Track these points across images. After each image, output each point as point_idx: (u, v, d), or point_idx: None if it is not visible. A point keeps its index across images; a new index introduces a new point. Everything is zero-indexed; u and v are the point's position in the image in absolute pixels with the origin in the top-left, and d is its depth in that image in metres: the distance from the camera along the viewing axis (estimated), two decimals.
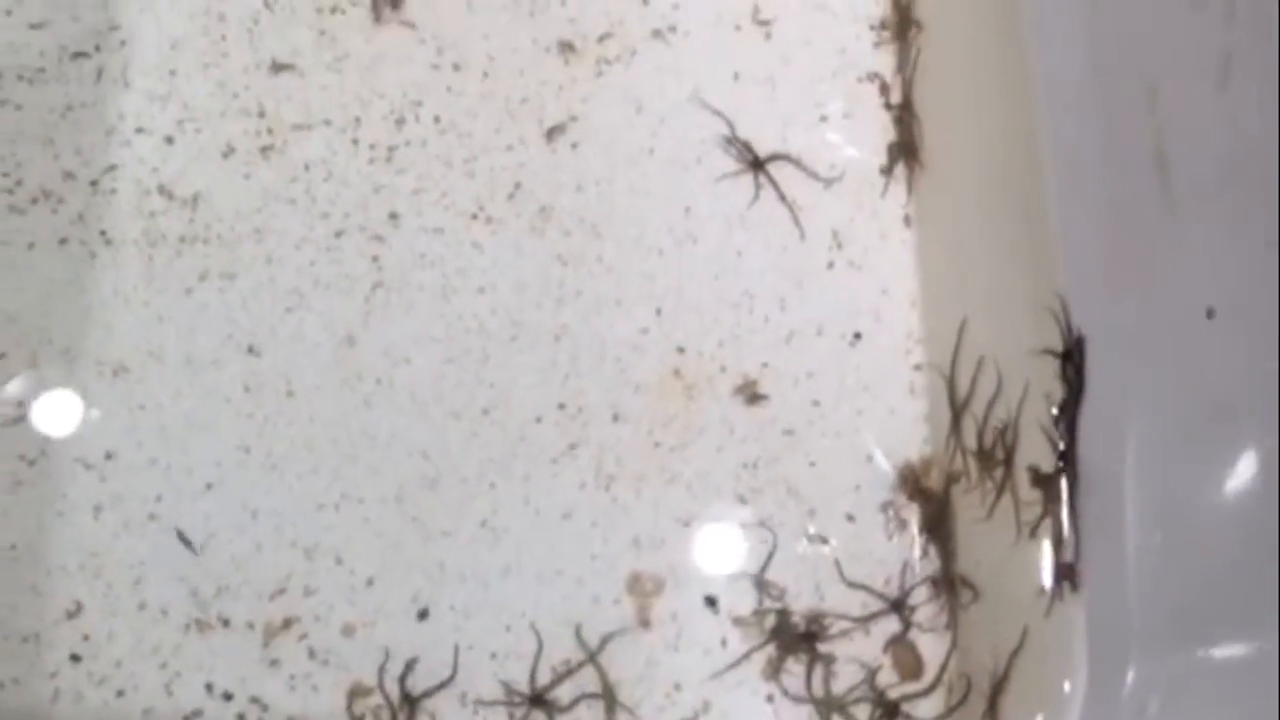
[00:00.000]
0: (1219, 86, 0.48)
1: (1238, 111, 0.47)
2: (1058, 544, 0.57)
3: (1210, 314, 0.48)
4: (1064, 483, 0.56)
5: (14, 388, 0.71)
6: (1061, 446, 0.57)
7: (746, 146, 0.78)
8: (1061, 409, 0.58)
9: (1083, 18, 0.61)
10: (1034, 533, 0.58)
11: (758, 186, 0.78)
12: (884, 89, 0.79)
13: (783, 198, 0.77)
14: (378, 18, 0.79)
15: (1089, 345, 0.57)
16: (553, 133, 0.78)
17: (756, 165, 0.78)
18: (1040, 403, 0.61)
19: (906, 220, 0.78)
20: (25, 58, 0.77)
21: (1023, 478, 0.60)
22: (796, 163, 0.78)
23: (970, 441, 0.68)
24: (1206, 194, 0.50)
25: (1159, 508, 0.52)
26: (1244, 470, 0.47)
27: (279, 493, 0.71)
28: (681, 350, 0.75)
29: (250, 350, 0.73)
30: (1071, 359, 0.59)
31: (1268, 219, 0.46)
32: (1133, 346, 0.54)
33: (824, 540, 0.71)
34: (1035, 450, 0.61)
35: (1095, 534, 0.55)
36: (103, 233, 0.75)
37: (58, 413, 0.71)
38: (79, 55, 0.77)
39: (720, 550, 0.71)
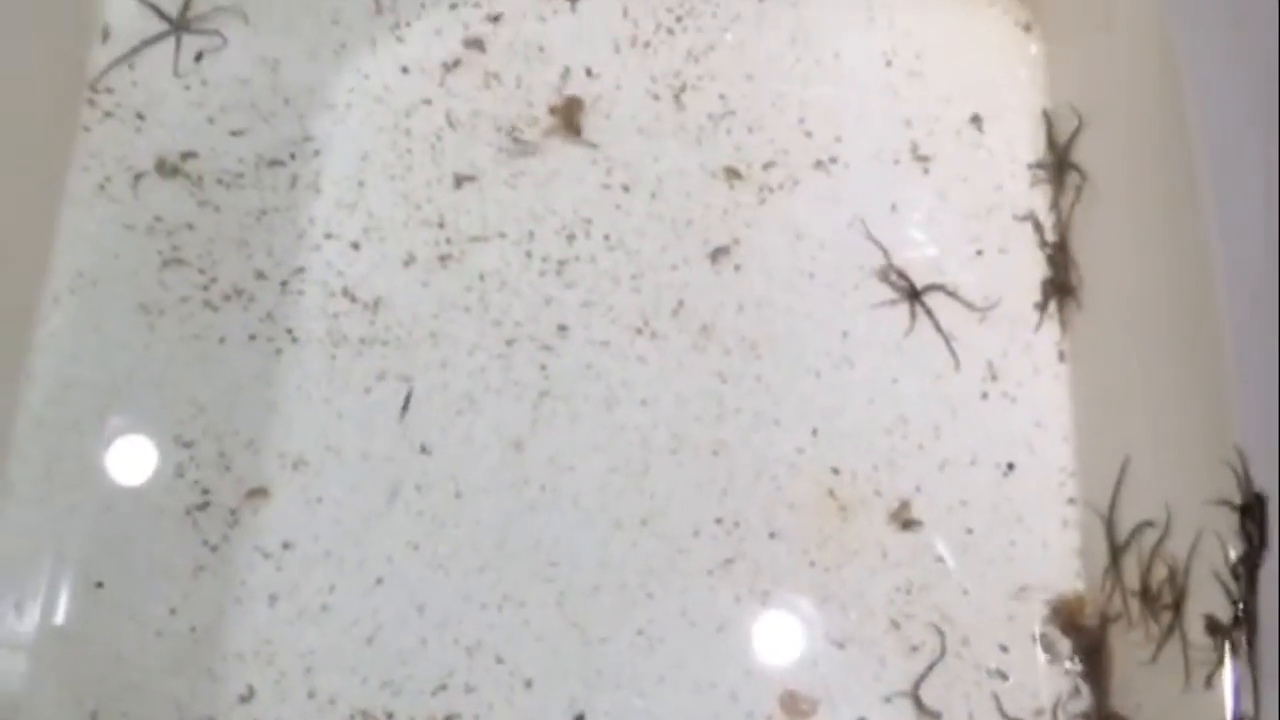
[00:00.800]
0: None
1: None
2: (1235, 696, 0.57)
3: None
4: (1243, 635, 0.57)
5: (200, 475, 0.75)
6: (1240, 599, 0.57)
7: (902, 275, 0.81)
8: (1241, 561, 0.59)
9: (1264, 169, 0.63)
10: (1210, 683, 0.59)
11: (913, 315, 0.80)
12: (1038, 227, 0.82)
13: (938, 327, 0.80)
14: (559, 145, 0.83)
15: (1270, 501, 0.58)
16: (716, 254, 0.81)
17: (913, 294, 0.81)
18: (1213, 549, 0.62)
19: (1061, 355, 0.79)
20: (225, 163, 0.82)
21: (1194, 624, 0.61)
22: (952, 294, 0.80)
23: (1131, 582, 0.68)
24: None
25: None
26: None
27: (445, 590, 0.73)
28: (837, 472, 0.77)
29: (423, 450, 0.76)
30: (1251, 514, 0.60)
31: None
32: None
33: (978, 668, 0.72)
34: (1207, 597, 0.62)
35: (1274, 691, 0.56)
36: (289, 331, 0.79)
37: (240, 501, 0.75)
38: (275, 163, 0.82)
39: (874, 673, 0.72)
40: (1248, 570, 0.58)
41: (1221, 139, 0.67)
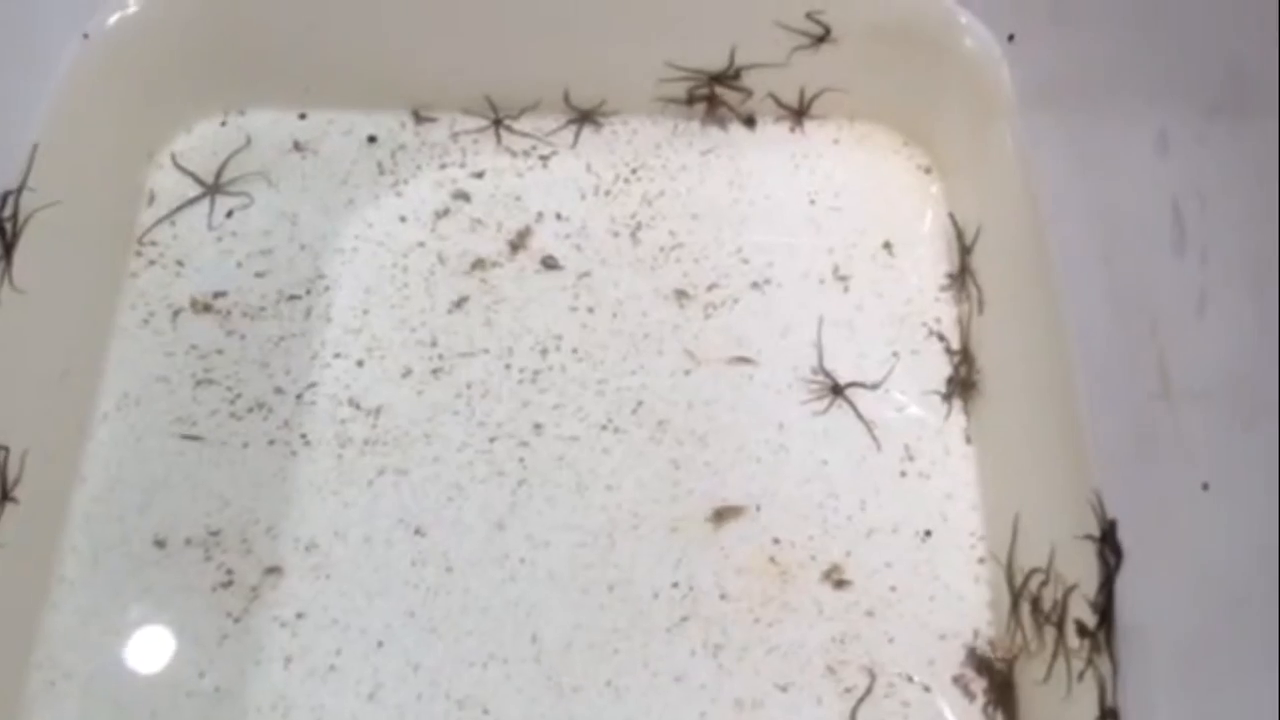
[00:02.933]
0: (1198, 314, 0.63)
1: (1212, 332, 0.62)
2: (1101, 692, 0.68)
3: (1205, 487, 0.61)
4: (1104, 634, 0.68)
5: (225, 558, 0.87)
6: (1101, 606, 0.68)
7: (828, 375, 0.94)
8: (1103, 581, 0.70)
9: (1101, 273, 0.77)
10: (1081, 678, 0.69)
11: (834, 405, 0.93)
12: (942, 337, 0.95)
13: (860, 417, 0.93)
14: (534, 276, 0.98)
15: (1120, 524, 0.70)
16: (668, 362, 0.95)
17: (835, 390, 0.94)
18: (1084, 576, 0.73)
19: (967, 438, 0.92)
20: (250, 299, 0.97)
21: (1071, 636, 0.72)
22: (871, 388, 0.94)
23: (1027, 618, 0.79)
24: (1197, 396, 0.64)
25: (1185, 653, 0.63)
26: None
27: (437, 651, 0.84)
28: (777, 541, 0.88)
29: (417, 532, 0.88)
30: (1107, 540, 0.71)
31: (1245, 412, 0.60)
32: (1152, 519, 0.67)
33: (905, 705, 0.82)
34: (1081, 615, 0.73)
35: (1132, 680, 0.66)
36: (303, 435, 0.91)
37: (260, 579, 0.86)
38: (293, 298, 0.97)
39: (813, 713, 0.82)
40: (1106, 582, 0.69)
41: (1069, 249, 0.81)
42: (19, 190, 0.85)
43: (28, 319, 0.85)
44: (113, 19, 0.94)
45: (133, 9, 0.95)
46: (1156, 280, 0.68)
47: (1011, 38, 0.91)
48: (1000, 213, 0.92)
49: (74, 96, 0.92)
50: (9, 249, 0.83)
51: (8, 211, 0.84)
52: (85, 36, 0.92)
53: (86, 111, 0.93)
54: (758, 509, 0.89)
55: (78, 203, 0.90)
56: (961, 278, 0.95)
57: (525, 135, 1.04)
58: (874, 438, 0.92)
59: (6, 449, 0.81)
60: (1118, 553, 0.70)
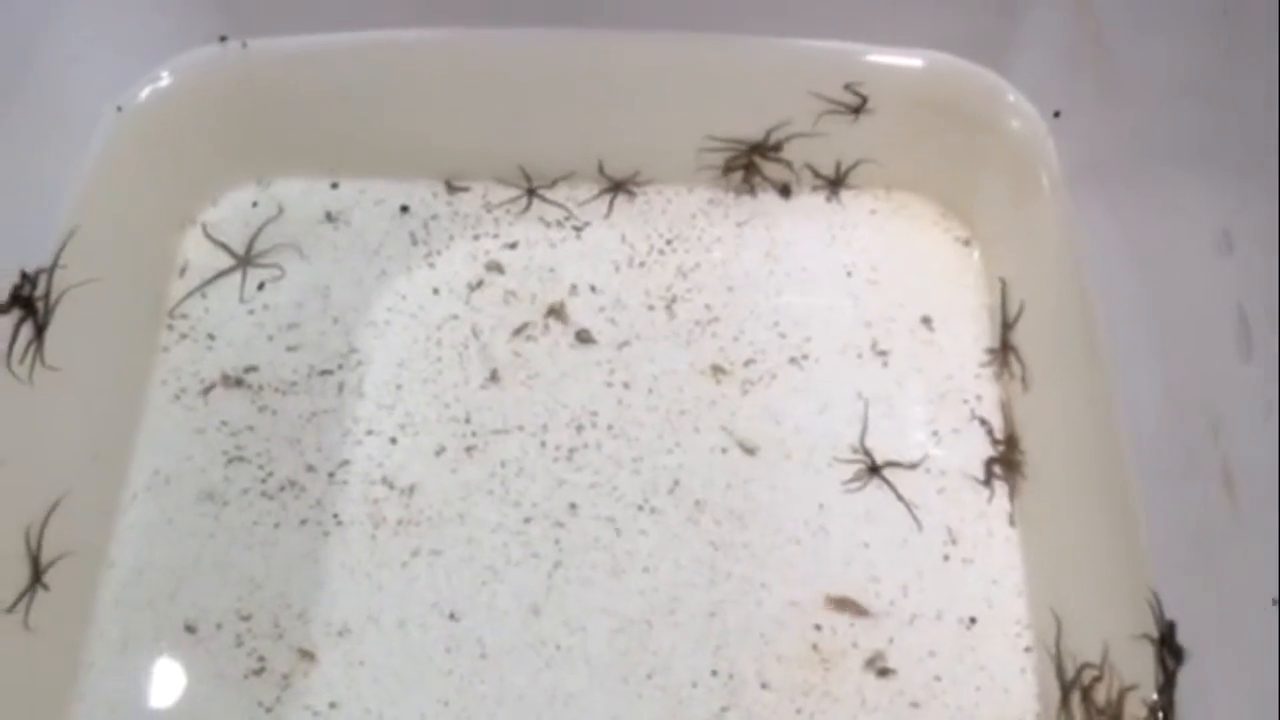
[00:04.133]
0: (1266, 420, 0.61)
1: None
2: None
3: (1276, 602, 0.60)
4: None
5: (257, 644, 0.85)
6: (1161, 710, 0.67)
7: (867, 453, 0.93)
8: (1162, 686, 0.68)
9: (1155, 364, 0.75)
10: None
11: (874, 486, 0.91)
12: (984, 422, 0.94)
13: (900, 498, 0.91)
14: (569, 350, 0.97)
15: (1180, 627, 0.68)
16: (705, 440, 0.93)
17: (873, 469, 0.92)
18: (1141, 676, 0.71)
19: (1011, 520, 0.90)
20: (282, 374, 0.95)
21: None
22: (911, 469, 0.92)
23: (1078, 712, 0.77)
24: (1266, 507, 0.62)
25: None
26: None
27: None
28: (819, 628, 0.86)
29: (451, 616, 0.86)
30: (1166, 642, 0.69)
31: None
32: (1215, 627, 0.65)
33: None
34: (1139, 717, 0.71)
35: None
36: (335, 515, 0.90)
37: (292, 666, 0.84)
38: (325, 372, 0.96)
39: None
40: (1167, 685, 0.67)
41: (1119, 334, 0.80)
42: (52, 268, 0.84)
43: (61, 398, 0.84)
44: (145, 92, 0.93)
45: (165, 81, 0.94)
46: (1220, 382, 0.67)
47: (1058, 114, 0.90)
48: (1045, 291, 0.91)
49: (106, 170, 0.91)
50: (41, 329, 0.82)
51: (40, 290, 0.83)
52: (119, 109, 0.92)
53: (119, 185, 0.92)
54: (798, 594, 0.87)
55: (110, 278, 0.89)
56: (1004, 354, 0.94)
57: (558, 205, 1.03)
58: (915, 519, 0.90)
59: (39, 533, 0.80)
60: (1178, 656, 0.68)
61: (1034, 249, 0.93)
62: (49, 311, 0.83)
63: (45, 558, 0.81)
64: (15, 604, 0.78)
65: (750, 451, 0.93)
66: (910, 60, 0.95)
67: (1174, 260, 0.73)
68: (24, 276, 0.82)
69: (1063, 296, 0.87)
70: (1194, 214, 0.70)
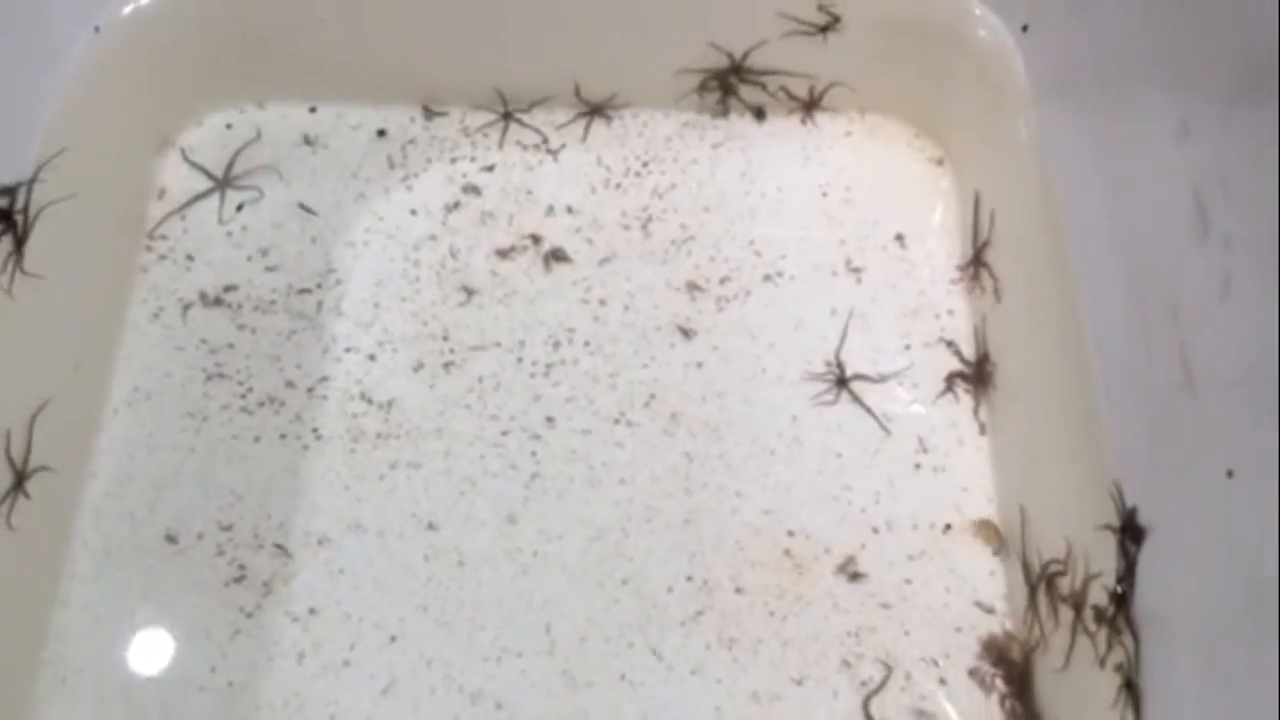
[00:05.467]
0: (1222, 300, 0.63)
1: (1237, 318, 0.62)
2: (1124, 675, 0.68)
3: (1230, 474, 0.61)
4: (1123, 616, 0.68)
5: (238, 553, 0.86)
6: (1119, 591, 0.68)
7: (840, 366, 0.94)
8: (1122, 573, 0.70)
9: (1119, 263, 0.77)
10: (1102, 665, 0.69)
11: (847, 398, 0.92)
12: (950, 344, 0.95)
13: (867, 409, 0.92)
14: (545, 268, 0.98)
15: (1140, 512, 0.70)
16: (681, 354, 0.95)
17: (842, 382, 0.93)
18: (1104, 566, 0.73)
19: (981, 429, 0.91)
20: (261, 292, 0.96)
21: (1090, 622, 0.71)
22: (881, 382, 0.93)
23: (1045, 609, 0.79)
24: (1221, 384, 0.64)
25: (1208, 640, 0.63)
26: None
27: (450, 646, 0.83)
28: (791, 534, 0.88)
29: (430, 526, 0.88)
30: (1127, 528, 0.71)
31: (1270, 399, 0.59)
32: (1173, 508, 0.67)
33: (921, 698, 0.82)
34: (1104, 605, 0.72)
35: (1154, 666, 0.66)
36: (314, 430, 0.91)
37: (271, 573, 0.86)
38: (303, 291, 0.96)
39: (828, 706, 0.82)
40: (1128, 569, 0.69)
41: (1086, 239, 0.81)
42: (31, 182, 0.84)
43: (40, 311, 0.84)
44: (127, 9, 0.93)
45: (143, 2, 0.94)
46: (1177, 268, 0.68)
47: (1025, 28, 0.90)
48: (1015, 204, 0.92)
49: (85, 89, 0.91)
50: (20, 242, 0.83)
51: (19, 204, 0.83)
52: (96, 29, 0.92)
53: (97, 105, 0.92)
54: (771, 502, 0.89)
55: (88, 196, 0.89)
56: (977, 269, 0.95)
57: (535, 130, 1.03)
58: (886, 430, 0.91)
59: (28, 438, 0.81)
60: (1138, 538, 0.69)
61: (1003, 163, 0.93)
62: (27, 226, 0.84)
63: (28, 468, 0.82)
64: None
65: (725, 365, 0.94)
66: None
67: (1135, 156, 0.74)
68: (3, 189, 0.82)
69: (1031, 207, 0.88)
70: (1154, 109, 0.71)
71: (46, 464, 0.83)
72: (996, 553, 0.86)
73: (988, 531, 0.86)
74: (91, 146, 0.92)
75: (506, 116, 1.04)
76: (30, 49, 0.88)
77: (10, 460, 0.81)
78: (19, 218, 0.83)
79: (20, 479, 0.81)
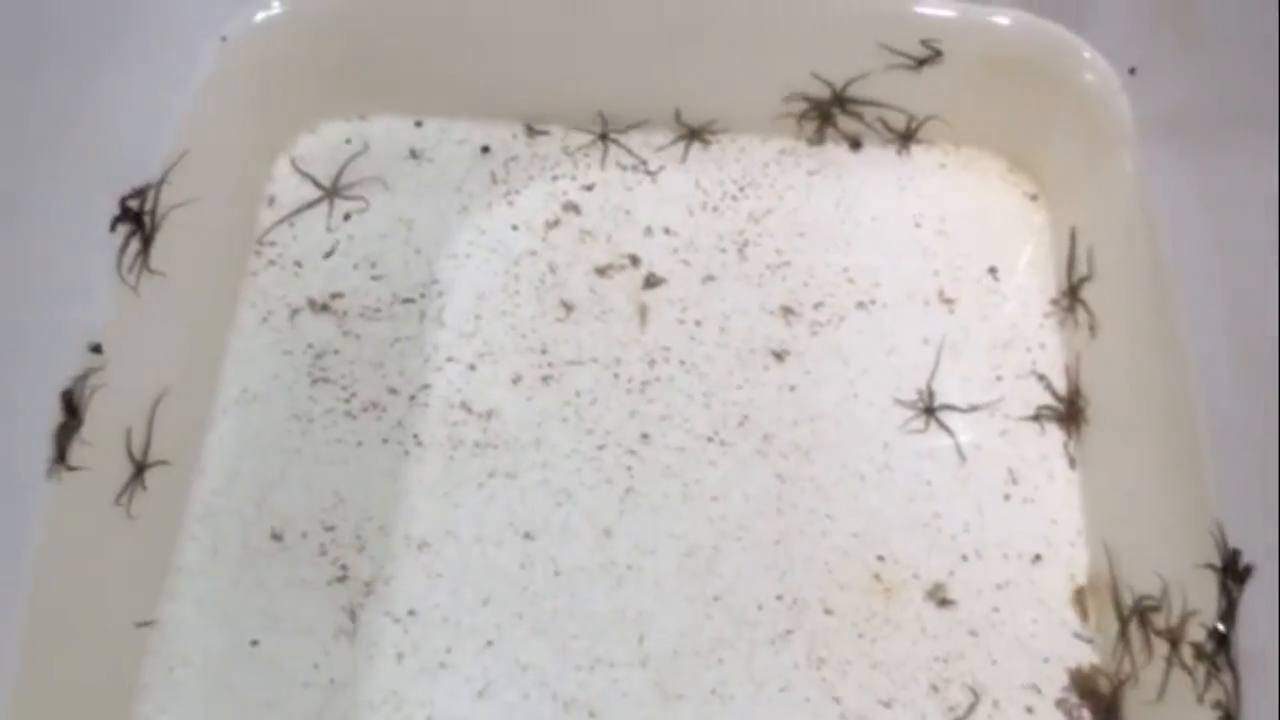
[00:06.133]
0: None
1: None
2: (1225, 714, 0.68)
3: None
4: (1224, 655, 0.68)
5: (340, 553, 0.88)
6: (1221, 630, 0.69)
7: (930, 395, 0.95)
8: (1224, 612, 0.70)
9: (1225, 307, 0.77)
10: (1200, 700, 0.70)
11: (937, 427, 0.94)
12: (1041, 378, 0.95)
13: (954, 438, 0.93)
14: (644, 285, 1.00)
15: (1244, 554, 0.71)
16: (774, 377, 0.96)
17: (929, 411, 0.94)
18: (1200, 605, 0.73)
19: (1071, 462, 0.92)
20: (367, 300, 0.99)
21: (1188, 658, 0.72)
22: (969, 412, 0.94)
23: (1138, 643, 0.79)
24: None
25: None
26: None
27: (545, 653, 0.85)
28: (881, 558, 0.89)
29: (526, 535, 0.90)
30: (1230, 570, 0.72)
31: None
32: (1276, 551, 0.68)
33: None
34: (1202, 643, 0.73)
35: (1254, 706, 0.66)
36: (415, 436, 0.93)
37: (372, 574, 0.88)
38: (407, 300, 0.99)
39: None
40: (1229, 609, 0.69)
41: (1191, 281, 0.82)
42: (159, 185, 0.87)
43: (161, 309, 0.87)
44: (259, 16, 0.97)
45: (264, 16, 0.98)
46: None
47: (1133, 71, 0.91)
48: (1115, 241, 0.93)
49: (209, 98, 0.94)
50: (148, 242, 0.86)
51: (148, 206, 0.86)
52: (223, 39, 0.95)
53: (218, 112, 0.96)
54: (861, 526, 0.90)
55: (206, 201, 0.92)
56: (1072, 303, 0.96)
57: (630, 150, 1.05)
58: (975, 460, 0.92)
59: (145, 436, 0.84)
60: (1241, 579, 0.70)
61: (1104, 201, 0.94)
62: (154, 227, 0.87)
63: (147, 460, 0.85)
64: (120, 496, 0.82)
65: (817, 389, 0.95)
66: (987, 17, 0.97)
67: (1242, 196, 0.75)
68: (134, 191, 0.85)
69: (1133, 245, 0.89)
70: (1263, 150, 0.72)
71: (159, 459, 0.86)
72: (1084, 623, 0.86)
73: (1083, 599, 0.86)
74: (211, 153, 0.95)
75: (604, 138, 1.06)
76: (162, 58, 0.91)
77: (130, 452, 0.84)
78: (147, 218, 0.87)
79: (140, 469, 0.84)
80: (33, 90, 0.76)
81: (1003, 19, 0.97)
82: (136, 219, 0.86)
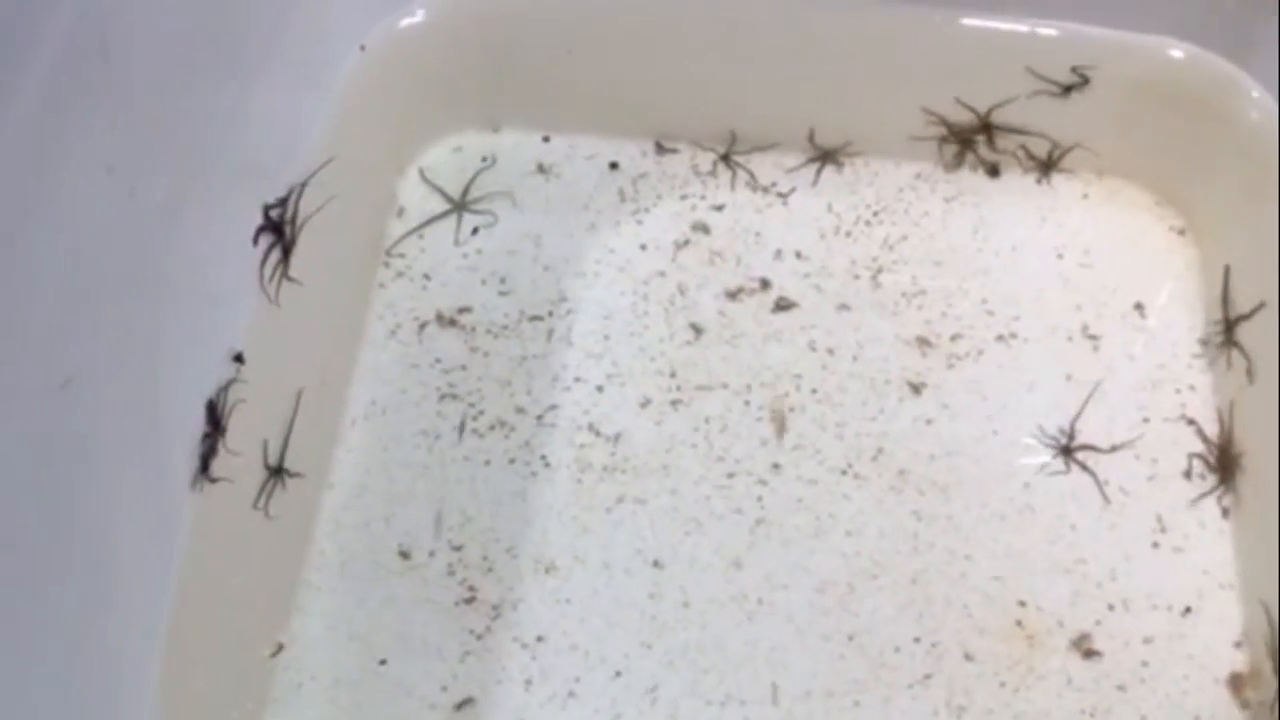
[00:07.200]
0: None
1: None
2: None
3: None
4: None
5: (468, 574, 0.87)
6: None
7: (1072, 435, 0.92)
8: None
9: None
10: None
11: (1082, 469, 0.90)
12: (1191, 422, 0.92)
13: (1096, 481, 0.90)
14: (774, 312, 0.98)
15: None
16: (910, 409, 0.93)
17: (1066, 451, 0.91)
18: None
19: (1224, 512, 0.89)
20: (494, 317, 0.98)
21: None
22: (1112, 452, 0.91)
23: None
24: None
25: None
26: None
27: (674, 685, 0.83)
28: (1023, 604, 0.86)
29: (655, 564, 0.88)
30: None
31: None
32: None
33: None
34: None
35: None
36: (543, 457, 0.92)
37: (500, 597, 0.86)
38: (535, 318, 0.98)
39: None
40: None
41: None
42: (299, 195, 0.87)
43: (297, 319, 0.87)
44: (403, 22, 0.96)
45: (419, 18, 0.97)
46: None
47: None
48: (1273, 283, 0.89)
49: (346, 107, 0.94)
50: (287, 251, 0.86)
51: (288, 214, 0.86)
52: (362, 48, 0.95)
53: (354, 122, 0.95)
54: (1002, 569, 0.87)
55: (340, 211, 0.92)
56: (1228, 345, 0.92)
57: (749, 171, 1.03)
58: (1121, 505, 0.89)
59: (283, 444, 0.84)
60: None
61: (1261, 241, 0.91)
62: (294, 237, 0.86)
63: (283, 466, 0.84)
64: (258, 499, 0.81)
65: (955, 424, 0.93)
66: (1145, 45, 0.94)
67: None
68: (277, 201, 0.85)
69: None
70: None
71: (295, 469, 0.85)
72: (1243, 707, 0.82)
73: (1240, 684, 0.82)
74: (346, 163, 0.94)
75: (725, 159, 1.04)
76: (305, 67, 0.91)
77: (265, 459, 0.83)
78: (288, 228, 0.86)
79: (279, 470, 0.83)
80: (189, 100, 0.75)
81: (1163, 48, 0.94)
82: (277, 228, 0.85)
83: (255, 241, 0.83)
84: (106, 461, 0.66)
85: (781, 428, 0.92)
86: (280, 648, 0.83)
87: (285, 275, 0.85)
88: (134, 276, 0.68)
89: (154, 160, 0.69)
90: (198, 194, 0.76)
